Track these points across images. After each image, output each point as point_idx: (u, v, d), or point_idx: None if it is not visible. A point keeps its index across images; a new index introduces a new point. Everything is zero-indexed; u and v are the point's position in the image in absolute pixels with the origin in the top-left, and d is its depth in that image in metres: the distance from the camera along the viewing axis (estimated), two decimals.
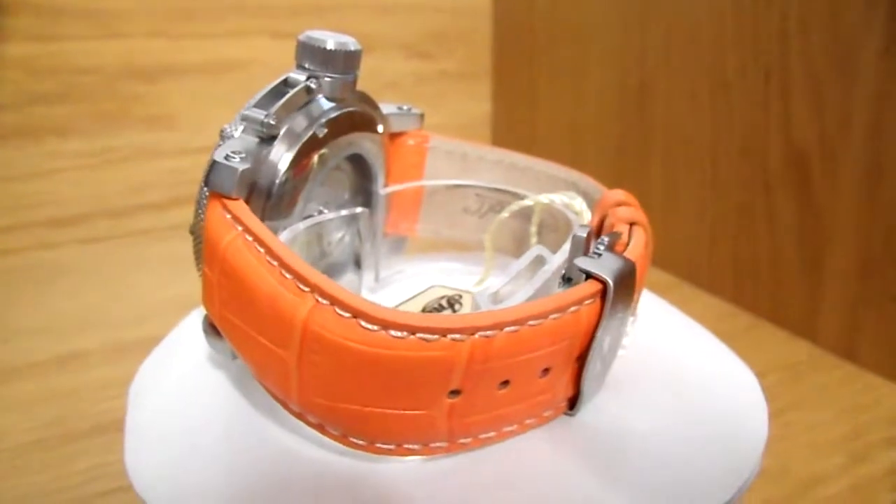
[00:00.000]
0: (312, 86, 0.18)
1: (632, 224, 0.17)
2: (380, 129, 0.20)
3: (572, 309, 0.14)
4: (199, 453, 0.15)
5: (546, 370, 0.14)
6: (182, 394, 0.17)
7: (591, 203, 0.20)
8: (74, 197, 0.41)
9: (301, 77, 0.18)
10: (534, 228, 0.21)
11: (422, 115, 0.22)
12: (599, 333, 0.14)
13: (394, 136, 0.22)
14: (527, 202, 0.20)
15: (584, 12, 0.42)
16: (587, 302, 0.14)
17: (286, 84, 0.18)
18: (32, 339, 0.31)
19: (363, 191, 0.22)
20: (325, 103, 0.19)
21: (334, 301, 0.13)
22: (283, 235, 0.18)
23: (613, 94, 0.41)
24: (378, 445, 0.14)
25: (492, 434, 0.15)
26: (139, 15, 0.40)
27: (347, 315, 0.13)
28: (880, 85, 0.28)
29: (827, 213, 0.30)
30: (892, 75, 0.27)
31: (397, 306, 0.21)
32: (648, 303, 0.21)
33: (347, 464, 0.15)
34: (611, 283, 0.14)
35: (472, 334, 0.13)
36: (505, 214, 0.21)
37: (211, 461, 0.15)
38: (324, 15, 0.45)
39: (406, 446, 0.14)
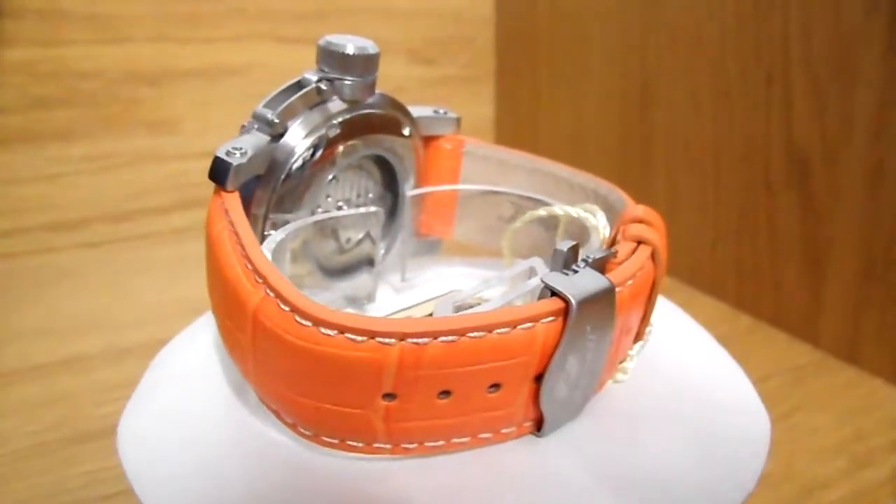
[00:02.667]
0: (324, 87, 0.18)
1: (639, 243, 0.16)
2: (406, 131, 0.21)
3: (526, 325, 0.13)
4: (198, 456, 0.15)
5: (495, 386, 0.14)
6: (184, 396, 0.17)
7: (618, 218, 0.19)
8: (76, 201, 0.41)
9: (313, 78, 0.18)
10: (559, 239, 0.20)
11: (458, 120, 0.23)
12: (559, 355, 0.14)
13: (429, 140, 0.22)
14: (540, 212, 0.20)
15: (585, 16, 0.42)
16: (546, 320, 0.14)
17: (299, 85, 0.19)
18: (34, 343, 0.31)
19: (391, 191, 0.22)
20: (339, 104, 0.19)
21: (278, 295, 0.13)
22: (282, 229, 0.18)
23: (615, 97, 0.41)
24: (323, 438, 0.14)
25: (440, 443, 0.14)
26: (141, 19, 0.40)
27: (287, 309, 0.13)
28: (881, 88, 0.28)
29: (828, 216, 0.30)
30: (893, 78, 0.27)
31: (408, 308, 0.21)
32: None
33: (347, 465, 0.15)
34: (573, 302, 0.13)
35: (402, 339, 0.13)
36: (518, 224, 0.21)
37: (210, 463, 0.15)
38: (326, 20, 0.45)
39: (349, 443, 0.14)
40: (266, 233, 0.19)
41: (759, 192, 0.33)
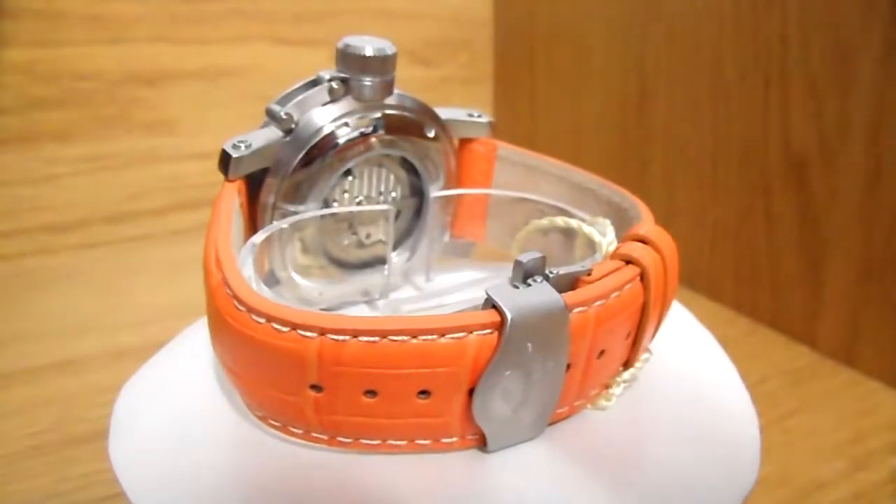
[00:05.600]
0: (335, 86, 0.19)
1: (627, 262, 0.16)
2: (430, 133, 0.21)
3: (456, 335, 0.13)
4: (192, 461, 0.15)
5: (425, 392, 0.14)
6: (175, 400, 0.17)
7: None
8: (73, 202, 0.40)
9: (326, 76, 0.19)
10: (578, 251, 0.20)
11: (491, 123, 0.23)
12: (492, 370, 0.13)
13: (464, 142, 0.23)
14: (543, 222, 0.20)
15: (583, 19, 0.42)
16: (479, 332, 0.13)
17: (313, 83, 0.19)
18: (30, 345, 0.31)
19: (418, 192, 0.22)
20: (351, 103, 0.19)
21: (225, 280, 0.14)
22: (265, 229, 0.19)
23: (614, 99, 0.41)
24: (270, 421, 0.15)
25: (376, 442, 0.15)
26: (140, 20, 0.40)
27: (230, 294, 0.14)
28: (879, 90, 0.28)
29: (826, 217, 0.30)
30: (891, 80, 0.27)
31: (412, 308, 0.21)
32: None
33: (291, 451, 0.15)
34: (509, 316, 0.13)
35: (322, 334, 0.13)
36: (522, 233, 0.21)
37: (203, 469, 0.15)
38: (325, 21, 0.45)
39: (290, 428, 0.15)
40: (273, 222, 0.19)
41: (757, 193, 0.33)
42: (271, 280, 0.21)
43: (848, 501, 0.22)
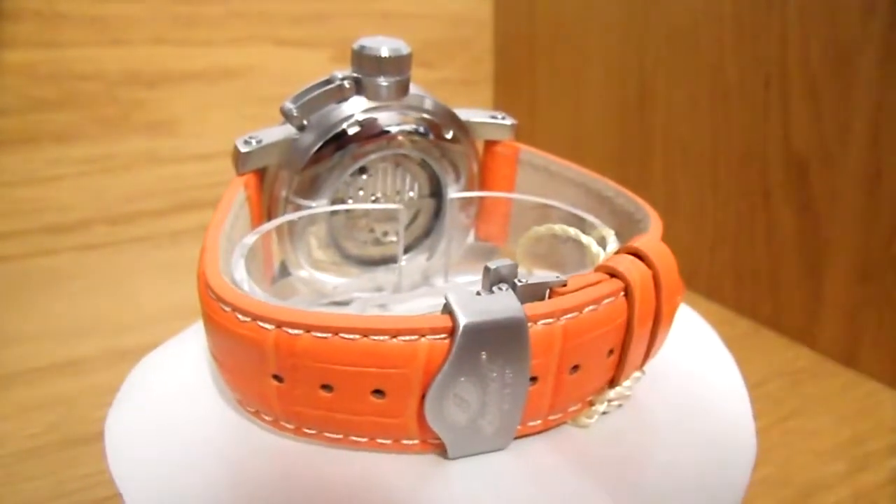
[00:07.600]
0: (347, 85, 0.19)
1: (612, 275, 0.15)
2: (448, 134, 0.21)
3: (408, 337, 0.13)
4: (189, 463, 0.15)
5: (379, 392, 0.14)
6: (171, 402, 0.17)
7: None
8: (74, 203, 0.41)
9: (339, 76, 0.19)
10: (588, 260, 0.19)
11: (513, 126, 0.23)
12: (443, 376, 0.13)
13: (489, 145, 0.23)
14: (541, 229, 0.20)
15: (584, 20, 0.43)
16: (432, 336, 0.13)
17: (326, 82, 0.20)
18: (31, 345, 0.31)
19: (438, 192, 0.22)
20: (363, 102, 0.20)
21: (204, 271, 0.15)
22: (275, 219, 0.19)
23: (614, 100, 0.41)
24: (246, 407, 0.15)
25: (338, 436, 0.15)
26: (141, 21, 0.40)
27: (205, 283, 0.15)
28: (879, 92, 0.28)
29: (826, 219, 0.30)
30: (891, 82, 0.27)
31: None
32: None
33: (264, 438, 0.15)
34: (461, 322, 0.13)
35: (279, 327, 0.13)
36: (523, 240, 0.21)
37: (200, 471, 0.15)
38: (325, 23, 0.45)
39: (263, 416, 0.15)
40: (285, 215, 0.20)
41: (757, 195, 0.33)
42: (283, 272, 0.21)
43: (848, 502, 0.22)
